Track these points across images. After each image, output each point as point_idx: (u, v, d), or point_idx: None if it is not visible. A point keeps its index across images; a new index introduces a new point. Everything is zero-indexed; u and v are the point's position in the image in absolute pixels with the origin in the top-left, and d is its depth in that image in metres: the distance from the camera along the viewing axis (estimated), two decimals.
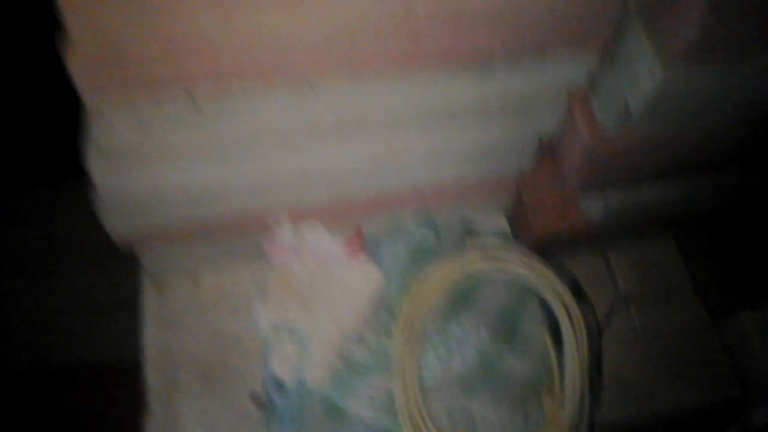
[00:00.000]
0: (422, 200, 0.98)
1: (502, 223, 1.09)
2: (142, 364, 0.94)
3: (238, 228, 0.92)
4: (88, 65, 0.64)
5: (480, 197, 1.03)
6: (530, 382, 0.93)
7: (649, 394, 1.12)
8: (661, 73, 0.74)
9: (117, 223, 0.83)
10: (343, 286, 0.94)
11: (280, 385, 0.89)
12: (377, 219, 0.98)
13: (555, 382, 0.94)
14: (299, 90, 0.72)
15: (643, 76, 0.77)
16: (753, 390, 1.15)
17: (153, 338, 0.95)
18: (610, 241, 1.21)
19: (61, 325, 1.46)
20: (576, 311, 0.97)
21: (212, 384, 0.92)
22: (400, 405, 0.89)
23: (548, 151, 0.98)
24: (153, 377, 0.92)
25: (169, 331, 0.95)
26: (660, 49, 0.75)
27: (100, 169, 0.76)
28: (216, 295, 0.98)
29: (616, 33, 0.78)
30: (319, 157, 0.82)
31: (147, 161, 0.75)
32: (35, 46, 1.35)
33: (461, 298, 0.97)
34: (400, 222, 1.00)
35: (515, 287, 0.99)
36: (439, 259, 0.98)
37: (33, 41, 1.35)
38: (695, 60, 0.74)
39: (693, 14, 0.68)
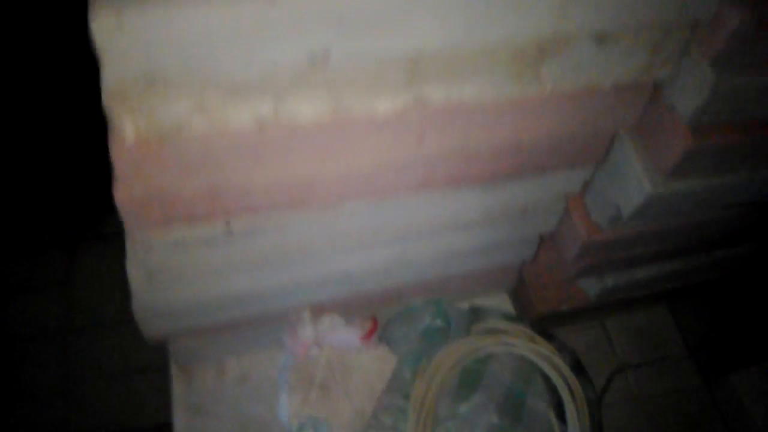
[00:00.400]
0: (432, 289, 1.05)
1: (506, 303, 1.16)
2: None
3: (262, 322, 0.99)
4: (135, 204, 0.70)
5: (485, 283, 1.10)
6: None
7: None
8: (650, 188, 0.82)
9: (152, 326, 0.90)
10: (360, 372, 1.01)
11: None
12: (390, 306, 1.05)
13: None
14: (323, 212, 0.79)
15: (633, 189, 0.85)
16: None
17: (181, 424, 1.01)
18: (608, 310, 1.28)
19: (84, 391, 1.50)
20: (577, 388, 1.04)
21: None
22: None
23: (548, 240, 1.05)
24: None
25: (197, 417, 1.01)
26: (648, 166, 0.83)
27: (139, 282, 0.82)
28: (240, 381, 1.05)
29: (609, 147, 0.85)
30: (339, 263, 0.89)
31: (183, 275, 0.82)
32: (52, 114, 1.39)
33: (470, 378, 1.04)
34: (412, 308, 1.07)
35: (520, 366, 1.06)
36: (449, 341, 1.05)
37: (49, 109, 1.38)
38: (681, 176, 0.82)
39: (676, 146, 0.76)
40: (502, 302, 1.16)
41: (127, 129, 0.60)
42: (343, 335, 1.00)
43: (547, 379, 1.06)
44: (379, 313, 1.06)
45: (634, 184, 0.84)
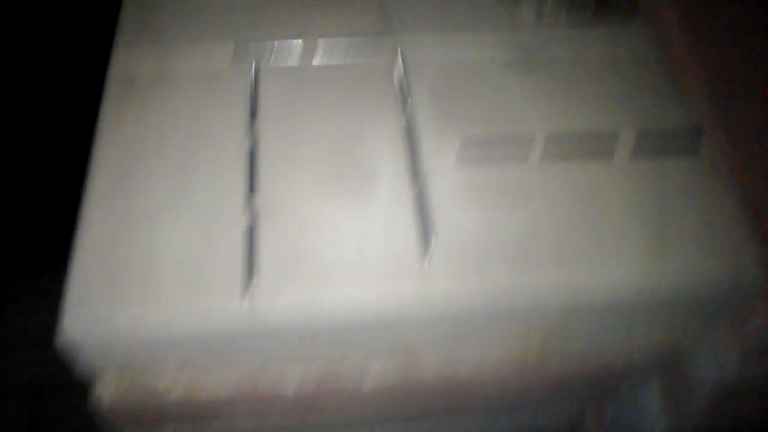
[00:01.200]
0: None
1: None
2: None
3: None
4: (121, 417, 0.69)
5: None
6: None
7: None
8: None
9: None
10: None
11: None
12: None
13: None
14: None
15: (647, 427, 0.79)
16: None
17: None
18: None
19: None
20: None
21: None
22: None
23: None
24: None
25: None
26: (664, 408, 0.77)
27: None
28: None
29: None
30: None
31: None
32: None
33: None
34: None
35: None
36: None
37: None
38: (697, 421, 0.76)
39: (690, 407, 0.71)
40: None
41: (105, 392, 0.59)
42: None
43: None
44: None
45: (648, 422, 0.79)
